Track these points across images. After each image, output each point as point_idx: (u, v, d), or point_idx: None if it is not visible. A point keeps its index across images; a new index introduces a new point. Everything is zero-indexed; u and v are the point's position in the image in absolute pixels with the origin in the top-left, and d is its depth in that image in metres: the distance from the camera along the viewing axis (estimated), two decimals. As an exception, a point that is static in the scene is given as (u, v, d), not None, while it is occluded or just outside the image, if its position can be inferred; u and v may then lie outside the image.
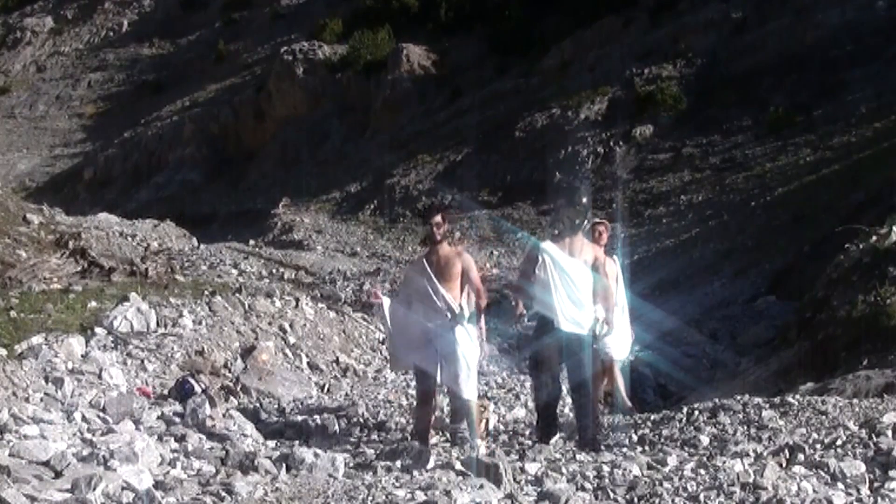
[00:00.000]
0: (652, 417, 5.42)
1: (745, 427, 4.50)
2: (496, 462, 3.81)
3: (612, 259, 6.13)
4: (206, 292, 9.03)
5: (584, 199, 5.25)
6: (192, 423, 5.31)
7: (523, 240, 15.59)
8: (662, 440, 4.66)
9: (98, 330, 7.08)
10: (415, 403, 5.42)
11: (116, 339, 7.00)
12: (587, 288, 4.97)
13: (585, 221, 5.11)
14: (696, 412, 5.06)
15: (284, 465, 4.44)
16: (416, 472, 4.11)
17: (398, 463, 4.48)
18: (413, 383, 6.80)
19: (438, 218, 5.03)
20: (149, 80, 33.97)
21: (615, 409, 6.22)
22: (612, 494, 3.51)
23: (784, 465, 3.74)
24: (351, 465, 4.55)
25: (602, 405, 6.30)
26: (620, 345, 6.12)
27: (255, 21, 34.11)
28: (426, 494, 3.51)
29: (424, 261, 5.06)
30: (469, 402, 4.92)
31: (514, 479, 3.77)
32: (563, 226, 5.16)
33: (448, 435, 5.25)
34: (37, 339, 6.45)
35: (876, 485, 3.47)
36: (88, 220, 14.27)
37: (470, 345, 4.94)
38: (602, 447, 4.71)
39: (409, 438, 5.08)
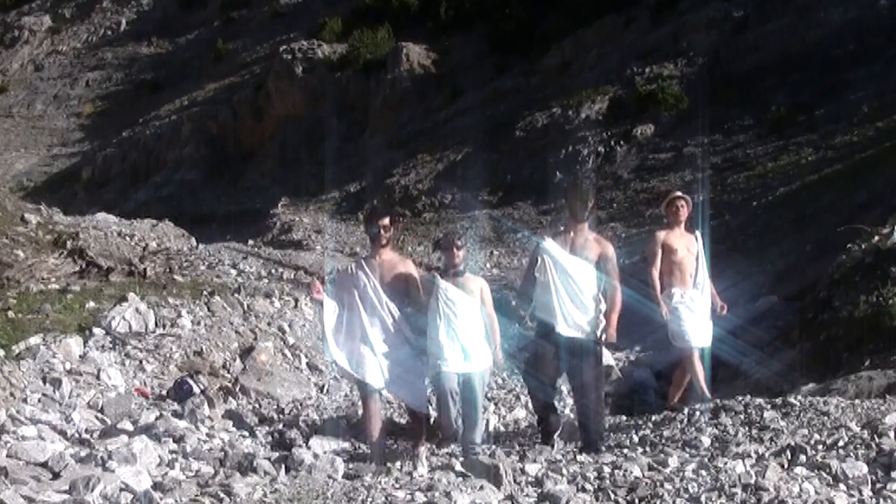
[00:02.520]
0: (653, 418, 5.39)
1: (747, 428, 4.48)
2: (496, 463, 3.79)
3: (693, 236, 5.71)
4: (205, 292, 9.01)
5: (588, 189, 4.96)
6: (190, 423, 5.29)
7: (523, 240, 15.42)
8: (663, 441, 4.64)
9: (96, 330, 7.06)
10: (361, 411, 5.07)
11: (115, 339, 6.98)
12: (591, 288, 4.69)
13: (591, 208, 4.75)
14: (698, 413, 5.04)
15: (283, 466, 4.43)
16: (415, 474, 4.08)
17: (398, 464, 4.45)
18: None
19: (387, 221, 4.71)
20: (147, 79, 33.90)
21: (692, 400, 5.68)
22: (612, 496, 3.48)
23: (786, 466, 3.72)
24: (350, 466, 4.53)
25: (604, 406, 6.21)
26: (701, 332, 5.59)
27: (254, 20, 34.06)
28: (426, 496, 3.48)
29: (365, 265, 4.71)
30: (420, 413, 4.64)
31: (515, 481, 3.74)
32: (568, 215, 4.84)
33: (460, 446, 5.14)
34: (34, 340, 6.43)
35: (878, 486, 3.46)
36: (86, 219, 14.23)
37: (413, 354, 4.64)
38: (603, 448, 4.67)
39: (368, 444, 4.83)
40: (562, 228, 4.94)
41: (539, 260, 4.72)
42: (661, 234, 5.69)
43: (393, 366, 4.60)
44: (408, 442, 4.96)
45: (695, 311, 5.55)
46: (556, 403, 5.01)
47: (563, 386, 5.15)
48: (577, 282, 4.65)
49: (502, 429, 5.79)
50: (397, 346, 4.60)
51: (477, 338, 4.99)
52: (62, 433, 4.81)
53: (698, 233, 5.77)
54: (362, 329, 4.59)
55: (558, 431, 4.88)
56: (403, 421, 5.46)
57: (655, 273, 5.57)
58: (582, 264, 4.69)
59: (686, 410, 5.21)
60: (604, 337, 4.74)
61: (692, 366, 5.62)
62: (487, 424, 5.80)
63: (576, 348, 4.67)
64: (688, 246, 5.65)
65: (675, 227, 5.67)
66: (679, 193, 5.83)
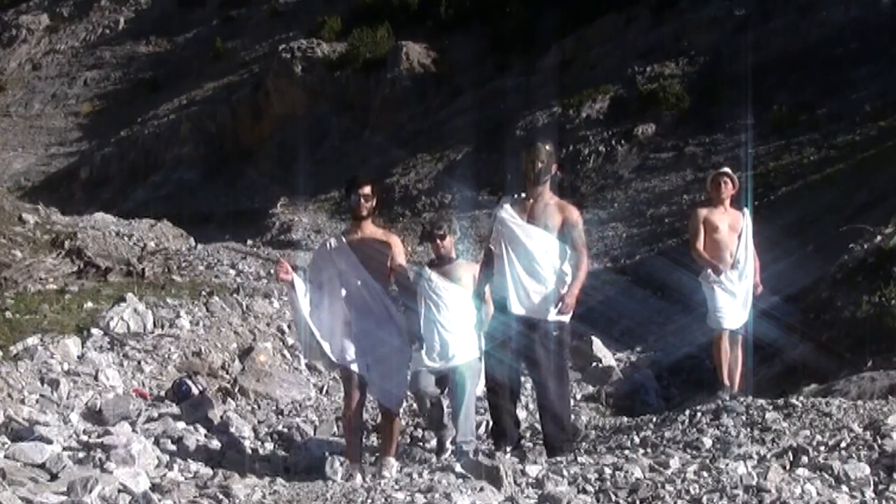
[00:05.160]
0: (654, 419, 5.36)
1: (749, 429, 4.45)
2: (496, 464, 3.76)
3: (740, 213, 5.50)
4: (204, 293, 9.00)
5: (547, 146, 4.27)
6: (189, 424, 5.26)
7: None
8: (665, 442, 4.60)
9: (94, 331, 7.04)
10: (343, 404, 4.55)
11: (113, 340, 6.96)
12: (549, 259, 4.08)
13: (546, 168, 4.15)
14: (699, 414, 5.01)
15: (282, 467, 4.41)
16: (415, 475, 4.06)
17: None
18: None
19: (368, 189, 4.24)
20: (146, 78, 33.87)
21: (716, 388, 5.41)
22: (613, 497, 3.45)
23: (788, 467, 3.69)
24: (350, 467, 4.50)
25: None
26: (735, 314, 5.33)
27: (253, 18, 34.04)
28: (426, 497, 3.45)
29: (345, 240, 4.24)
30: (394, 414, 4.31)
31: (515, 482, 3.71)
32: (524, 180, 4.27)
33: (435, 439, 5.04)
34: (32, 340, 6.41)
35: (880, 487, 3.43)
36: (84, 219, 14.23)
37: (400, 345, 4.22)
38: (568, 452, 4.42)
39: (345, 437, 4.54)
40: (522, 195, 4.33)
41: (494, 231, 4.16)
42: (703, 211, 5.55)
43: (373, 353, 4.17)
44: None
45: (731, 291, 5.37)
46: (515, 409, 4.38)
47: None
48: (533, 253, 4.09)
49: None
50: (380, 331, 4.17)
51: (463, 331, 4.58)
52: (60, 434, 4.79)
53: (746, 210, 5.55)
54: (343, 311, 4.15)
55: (511, 443, 4.24)
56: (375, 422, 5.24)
57: (700, 246, 5.42)
58: (540, 234, 4.12)
59: (687, 411, 5.19)
60: (559, 307, 4.10)
61: (718, 349, 5.44)
62: (487, 425, 5.78)
63: (533, 330, 4.08)
64: (731, 224, 5.47)
65: (717, 204, 5.53)
66: (725, 170, 5.65)
